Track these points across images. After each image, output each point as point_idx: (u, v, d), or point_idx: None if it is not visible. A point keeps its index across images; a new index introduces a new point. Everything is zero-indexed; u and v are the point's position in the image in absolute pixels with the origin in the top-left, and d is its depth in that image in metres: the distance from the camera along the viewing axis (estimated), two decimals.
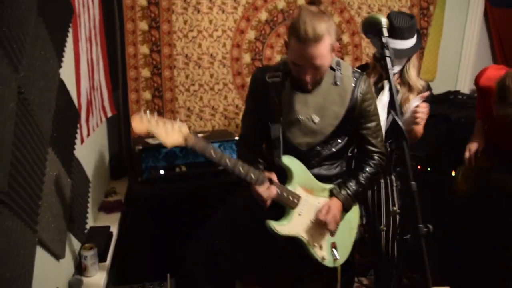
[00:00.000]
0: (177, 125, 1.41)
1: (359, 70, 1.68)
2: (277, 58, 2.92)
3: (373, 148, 1.71)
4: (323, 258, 1.70)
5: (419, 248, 0.83)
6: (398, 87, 2.01)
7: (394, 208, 1.77)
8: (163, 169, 2.38)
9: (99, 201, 2.30)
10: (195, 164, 2.41)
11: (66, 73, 1.62)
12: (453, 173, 2.44)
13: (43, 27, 1.31)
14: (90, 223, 1.99)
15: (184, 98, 2.79)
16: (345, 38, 3.05)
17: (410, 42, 1.93)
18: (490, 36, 3.51)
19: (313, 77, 1.54)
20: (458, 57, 3.47)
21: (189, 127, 2.75)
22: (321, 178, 1.72)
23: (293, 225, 1.64)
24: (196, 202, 2.34)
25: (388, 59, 0.97)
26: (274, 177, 1.60)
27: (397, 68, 1.95)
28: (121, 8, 2.59)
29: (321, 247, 1.70)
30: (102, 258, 1.77)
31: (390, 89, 0.97)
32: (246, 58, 2.85)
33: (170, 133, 1.40)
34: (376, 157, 1.73)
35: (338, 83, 1.61)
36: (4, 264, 0.95)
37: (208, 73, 2.80)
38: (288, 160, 1.66)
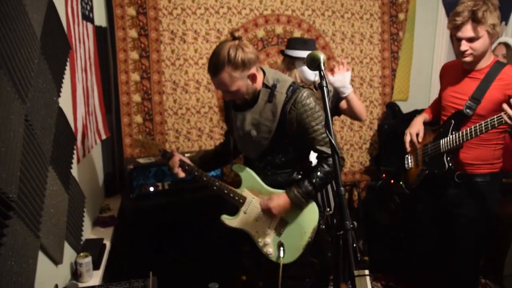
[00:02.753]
0: (157, 143, 2.14)
1: (300, 85, 1.84)
2: None
3: (324, 155, 1.83)
4: (268, 253, 1.96)
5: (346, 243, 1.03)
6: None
7: (328, 210, 1.99)
8: (153, 186, 2.60)
9: (94, 216, 2.50)
10: (181, 181, 2.62)
11: (64, 101, 1.85)
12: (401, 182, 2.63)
13: (44, 63, 1.54)
14: (85, 235, 2.19)
15: (172, 121, 3.03)
16: None
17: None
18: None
19: (233, 98, 1.83)
20: (428, 78, 3.73)
21: (177, 148, 3.00)
22: (277, 184, 1.95)
23: (239, 220, 2.00)
24: (182, 214, 2.55)
25: (324, 89, 1.20)
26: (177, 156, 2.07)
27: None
28: (114, 39, 2.85)
29: (266, 243, 1.96)
30: (96, 266, 1.96)
31: (326, 114, 1.19)
32: None
33: (152, 146, 2.14)
34: (329, 160, 1.83)
35: (271, 100, 1.80)
36: (12, 262, 1.15)
37: (195, 98, 3.04)
38: (237, 167, 2.02)
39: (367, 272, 0.98)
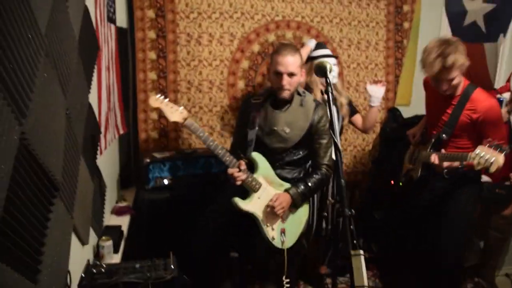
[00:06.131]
0: (180, 109, 2.11)
1: (318, 101, 2.27)
2: (268, 84, 3.35)
3: (321, 161, 2.21)
4: (273, 238, 2.18)
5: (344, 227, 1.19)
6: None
7: (330, 199, 2.30)
8: (167, 179, 2.77)
9: (111, 205, 2.67)
10: (194, 174, 2.80)
11: (91, 97, 2.02)
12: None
13: (80, 64, 1.71)
14: (104, 222, 2.36)
15: None
16: None
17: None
18: None
19: (289, 85, 2.12)
20: None
21: (190, 144, 3.17)
22: (281, 178, 2.25)
23: (253, 205, 2.17)
24: (193, 205, 2.71)
25: (330, 94, 1.37)
26: (243, 165, 2.14)
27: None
28: (134, 40, 3.02)
29: (272, 228, 2.18)
30: (115, 249, 2.14)
31: (331, 115, 1.36)
32: (241, 84, 3.28)
33: (174, 113, 2.07)
34: (323, 168, 2.21)
35: (303, 105, 2.18)
36: (55, 235, 1.32)
37: (208, 97, 3.21)
38: (256, 155, 2.22)
39: (361, 252, 1.13)
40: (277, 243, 2.19)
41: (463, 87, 2.33)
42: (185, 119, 2.07)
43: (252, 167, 2.24)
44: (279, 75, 2.13)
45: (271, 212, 2.19)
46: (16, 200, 0.96)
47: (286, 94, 2.16)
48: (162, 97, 2.12)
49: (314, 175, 2.23)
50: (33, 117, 1.05)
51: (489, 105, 2.26)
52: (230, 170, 2.12)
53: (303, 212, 2.32)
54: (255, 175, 2.21)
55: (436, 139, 2.42)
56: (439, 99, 2.43)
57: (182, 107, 2.11)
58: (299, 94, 2.24)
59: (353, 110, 2.97)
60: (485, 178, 2.86)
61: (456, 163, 2.17)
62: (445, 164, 2.20)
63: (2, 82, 0.87)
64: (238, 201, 2.17)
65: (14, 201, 0.95)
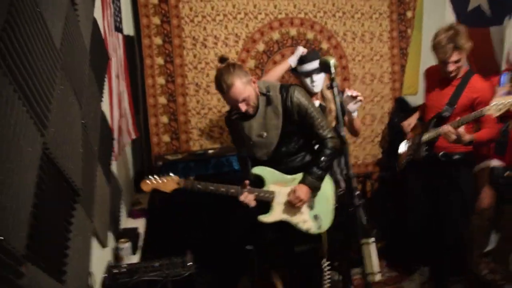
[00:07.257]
0: (170, 177, 2.18)
1: (287, 85, 2.20)
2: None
3: (322, 135, 2.19)
4: (307, 229, 2.24)
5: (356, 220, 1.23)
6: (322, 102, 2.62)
7: (339, 190, 2.37)
8: None
9: (127, 209, 2.75)
10: (206, 175, 2.85)
11: (104, 105, 2.09)
12: None
13: (92, 74, 1.78)
14: (121, 225, 2.43)
15: (196, 120, 3.26)
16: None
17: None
18: None
19: (248, 107, 2.08)
20: None
21: (201, 145, 3.22)
22: (293, 170, 2.26)
23: (276, 213, 2.23)
24: (207, 206, 2.78)
25: (335, 88, 1.42)
26: (246, 185, 2.17)
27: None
28: (141, 47, 3.09)
29: (304, 221, 2.24)
30: (133, 251, 2.21)
31: (337, 108, 1.41)
32: None
33: (167, 183, 2.17)
34: (328, 143, 2.19)
35: (270, 103, 2.13)
36: (77, 239, 1.39)
37: (216, 98, 3.27)
38: (257, 169, 2.25)
39: (372, 239, 1.17)
40: (314, 231, 2.25)
41: (464, 71, 2.59)
42: (179, 183, 2.19)
43: (261, 180, 2.26)
44: (236, 105, 2.09)
45: (294, 209, 2.23)
46: (42, 206, 1.02)
47: (250, 111, 2.13)
48: (151, 177, 2.21)
49: (321, 154, 2.19)
50: (53, 128, 1.12)
51: (487, 86, 2.58)
52: (240, 199, 2.17)
53: (327, 188, 2.30)
54: (265, 188, 2.24)
55: (438, 118, 2.61)
56: (440, 83, 2.66)
57: (172, 174, 2.19)
58: (262, 94, 2.16)
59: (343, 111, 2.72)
60: (494, 163, 2.87)
61: (468, 137, 2.38)
62: (461, 130, 2.39)
63: (25, 97, 0.93)
64: (262, 218, 2.24)
65: (40, 207, 1.01)
